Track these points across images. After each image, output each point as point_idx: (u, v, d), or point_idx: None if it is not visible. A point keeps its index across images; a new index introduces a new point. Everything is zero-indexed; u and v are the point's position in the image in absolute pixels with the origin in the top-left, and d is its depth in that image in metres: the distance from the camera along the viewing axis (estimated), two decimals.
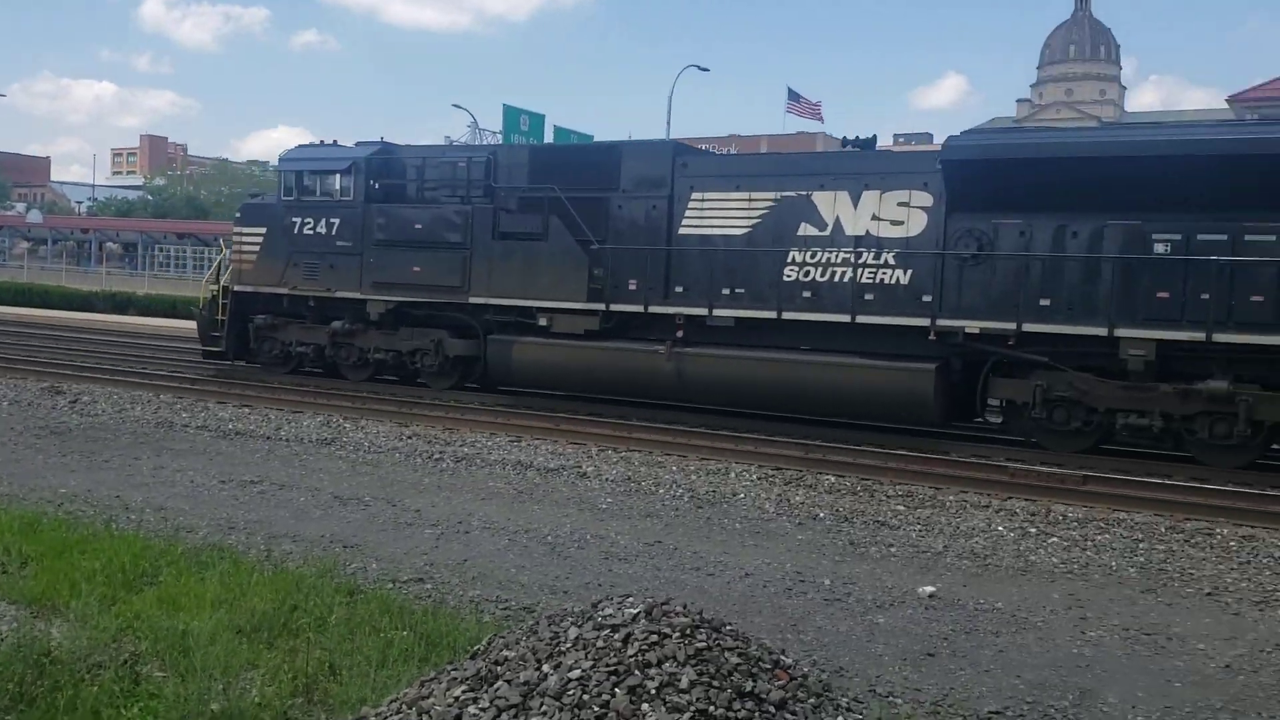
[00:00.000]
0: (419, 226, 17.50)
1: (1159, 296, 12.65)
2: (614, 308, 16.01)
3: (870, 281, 14.40)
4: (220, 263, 20.49)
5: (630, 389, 16.29)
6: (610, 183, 16.37)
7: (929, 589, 7.89)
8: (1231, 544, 9.82)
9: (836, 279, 14.66)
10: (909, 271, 14.19)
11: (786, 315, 14.75)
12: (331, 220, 18.40)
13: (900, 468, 12.53)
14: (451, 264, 17.22)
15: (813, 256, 14.81)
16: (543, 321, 16.57)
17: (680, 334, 15.54)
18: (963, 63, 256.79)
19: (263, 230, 19.21)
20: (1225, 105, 42.31)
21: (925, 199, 14.15)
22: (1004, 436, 14.58)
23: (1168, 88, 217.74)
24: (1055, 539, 9.79)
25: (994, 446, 13.93)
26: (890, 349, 14.21)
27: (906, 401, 14.01)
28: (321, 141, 19.50)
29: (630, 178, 16.25)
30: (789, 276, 14.94)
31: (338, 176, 18.34)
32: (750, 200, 15.30)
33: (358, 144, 18.90)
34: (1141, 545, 9.66)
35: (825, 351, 14.55)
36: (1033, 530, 10.08)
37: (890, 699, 5.73)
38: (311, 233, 18.59)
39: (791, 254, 14.91)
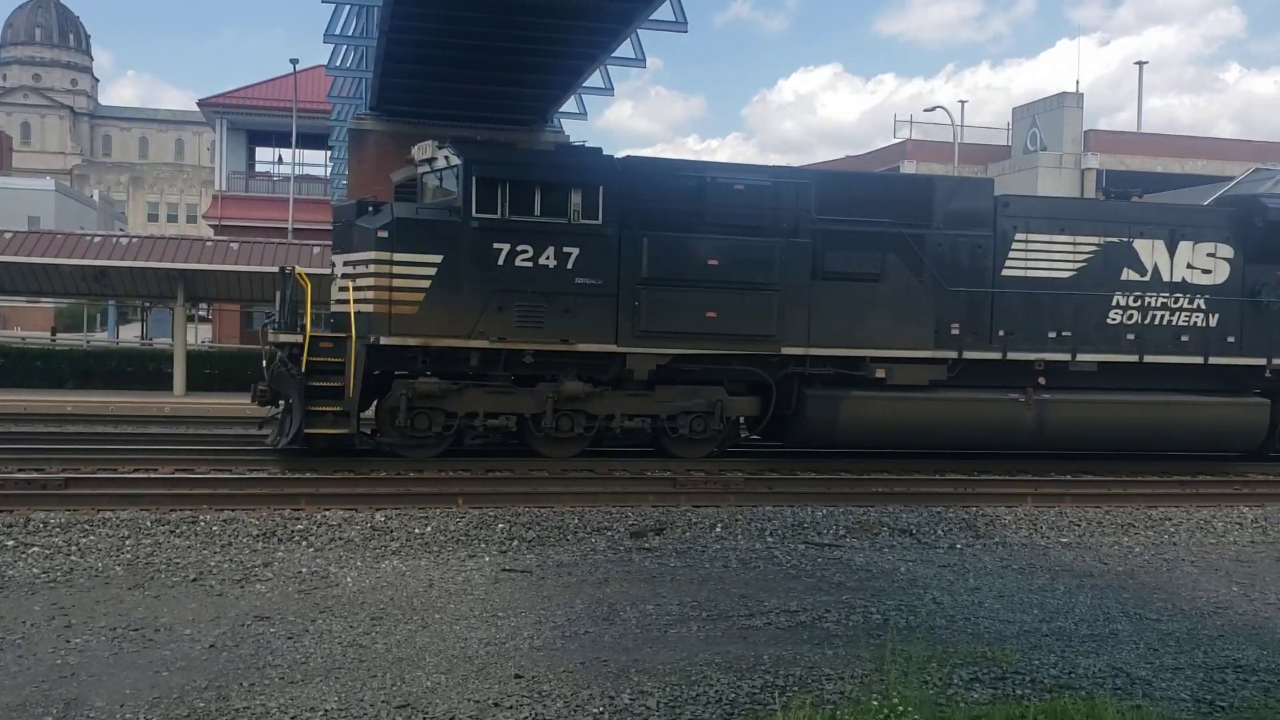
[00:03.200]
0: (714, 263, 14.14)
1: None
2: (967, 355, 15.07)
3: (1186, 324, 15.96)
4: (295, 299, 13.74)
5: (979, 440, 15.44)
6: (923, 219, 15.19)
7: None
8: (214, 528, 10.09)
9: (1156, 322, 15.90)
10: (1216, 315, 16.08)
11: (1149, 359, 15.62)
12: (566, 250, 13.77)
13: None
14: (761, 308, 14.32)
15: (1134, 300, 15.81)
16: (879, 373, 14.82)
17: (1042, 380, 15.35)
18: None
19: (436, 258, 13.52)
20: (197, 107, 44.96)
21: (1228, 251, 16.14)
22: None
23: (147, 85, 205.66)
24: (36, 548, 9.34)
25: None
26: (1209, 386, 16.01)
27: (1246, 433, 16.01)
28: (491, 141, 14.20)
29: (944, 214, 15.28)
30: (1113, 319, 15.74)
31: (577, 192, 13.72)
32: (1075, 244, 15.66)
33: (576, 146, 14.29)
34: (128, 542, 9.61)
35: (1180, 392, 15.80)
36: (10, 543, 9.46)
37: None
38: (530, 265, 13.69)
39: (1116, 297, 15.73)
